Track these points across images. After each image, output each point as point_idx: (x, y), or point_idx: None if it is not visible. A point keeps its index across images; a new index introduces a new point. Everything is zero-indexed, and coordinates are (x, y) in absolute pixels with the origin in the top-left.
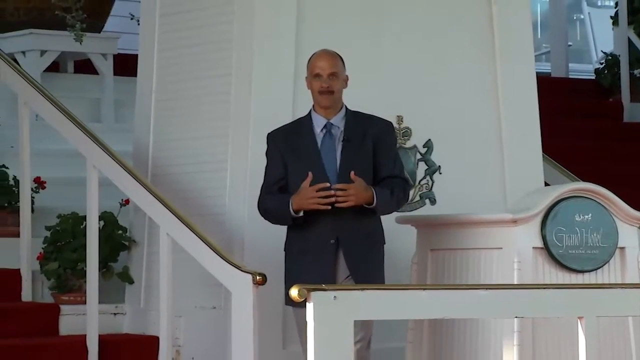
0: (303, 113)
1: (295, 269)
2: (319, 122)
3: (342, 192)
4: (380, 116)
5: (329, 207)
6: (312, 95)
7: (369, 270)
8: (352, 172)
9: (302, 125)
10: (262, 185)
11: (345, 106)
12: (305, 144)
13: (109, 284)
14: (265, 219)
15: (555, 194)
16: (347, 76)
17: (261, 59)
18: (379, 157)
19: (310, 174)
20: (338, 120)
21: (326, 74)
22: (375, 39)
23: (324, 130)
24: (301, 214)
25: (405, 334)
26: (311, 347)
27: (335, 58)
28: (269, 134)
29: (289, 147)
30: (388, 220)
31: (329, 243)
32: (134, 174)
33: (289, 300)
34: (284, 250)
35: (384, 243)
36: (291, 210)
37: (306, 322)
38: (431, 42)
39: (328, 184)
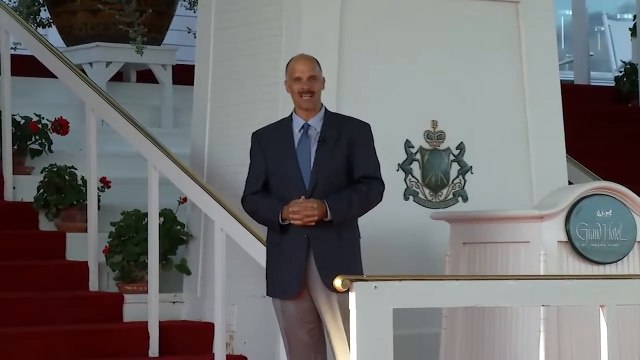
0: None
1: (271, 261)
2: (298, 123)
3: (308, 213)
4: (359, 118)
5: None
6: (292, 98)
7: (341, 268)
8: (302, 197)
9: (283, 125)
10: (247, 183)
11: (325, 108)
12: (283, 144)
13: (168, 275)
14: (250, 216)
15: (578, 191)
16: (324, 78)
17: None
18: (354, 158)
19: (303, 197)
20: (316, 122)
21: (306, 77)
22: (412, 50)
23: (302, 131)
24: (288, 222)
25: (440, 320)
26: (353, 333)
27: (312, 62)
28: (253, 133)
29: (270, 145)
30: (423, 217)
31: (301, 238)
32: (191, 174)
33: (269, 291)
34: (266, 242)
35: (359, 237)
36: (279, 219)
37: (292, 315)
38: (463, 53)
39: (303, 199)
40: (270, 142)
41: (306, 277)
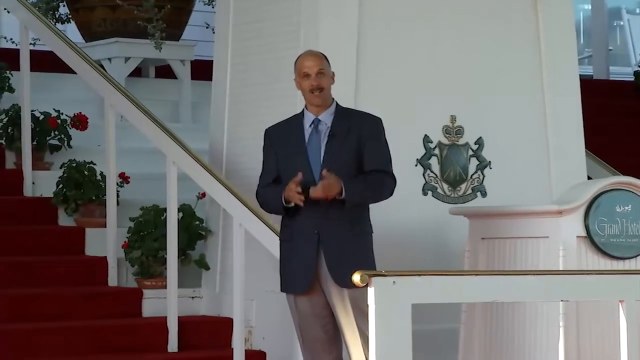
0: None
1: (283, 257)
2: (308, 118)
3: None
4: (372, 113)
5: (302, 200)
6: (303, 95)
7: (351, 264)
8: (325, 170)
9: (295, 121)
10: (260, 178)
11: (337, 103)
12: (294, 139)
13: (187, 270)
14: (263, 209)
15: (598, 186)
16: (333, 73)
17: None
18: (364, 151)
19: (300, 174)
20: (326, 117)
21: (314, 73)
22: (430, 47)
23: (312, 126)
24: (292, 204)
25: (459, 316)
26: (372, 329)
27: (320, 57)
28: (265, 129)
29: (281, 141)
30: (442, 212)
31: (312, 234)
32: (210, 169)
33: (283, 287)
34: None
35: (371, 232)
36: (282, 201)
37: (305, 310)
38: (482, 48)
39: (300, 176)
40: (281, 138)
41: (318, 272)
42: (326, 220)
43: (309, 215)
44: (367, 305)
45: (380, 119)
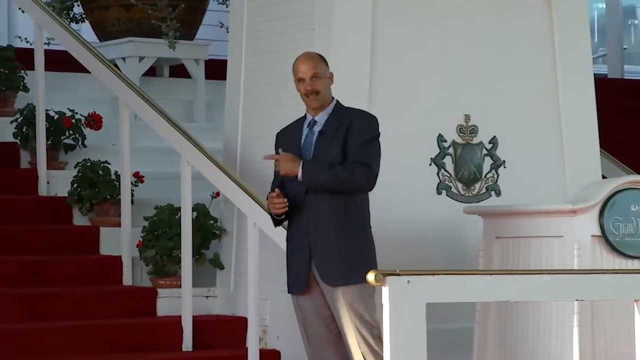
0: (377, 113)
1: (286, 258)
2: (307, 120)
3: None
4: (369, 112)
5: (285, 207)
6: (301, 97)
7: (341, 262)
8: (280, 149)
9: (297, 124)
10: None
11: (337, 102)
12: (292, 142)
13: (201, 270)
14: None
15: (612, 186)
16: (331, 73)
17: (338, 64)
18: (348, 145)
19: (277, 189)
20: (322, 117)
21: (308, 77)
22: (444, 46)
23: (308, 127)
24: (282, 214)
25: (473, 315)
26: (386, 328)
27: (315, 60)
28: (277, 133)
29: (284, 144)
30: (456, 211)
31: (304, 235)
32: (224, 169)
33: (287, 287)
34: None
35: (369, 229)
36: (272, 214)
37: (308, 309)
38: (496, 47)
39: (277, 192)
40: (285, 140)
41: (314, 273)
42: (316, 221)
43: (301, 217)
44: (360, 304)
45: (375, 117)
